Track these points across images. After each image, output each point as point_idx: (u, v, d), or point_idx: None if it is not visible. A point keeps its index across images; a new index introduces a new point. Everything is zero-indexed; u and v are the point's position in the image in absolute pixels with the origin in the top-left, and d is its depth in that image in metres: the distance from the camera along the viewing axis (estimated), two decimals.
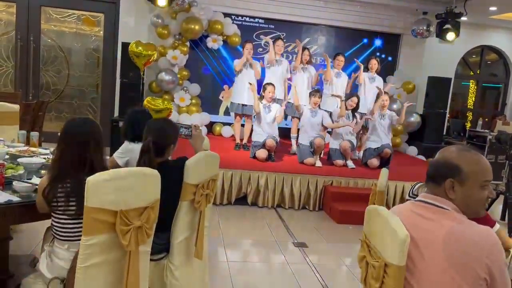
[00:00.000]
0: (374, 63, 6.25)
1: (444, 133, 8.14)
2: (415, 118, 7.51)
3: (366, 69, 6.30)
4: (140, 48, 5.96)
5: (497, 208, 4.88)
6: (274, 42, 6.00)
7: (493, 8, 7.14)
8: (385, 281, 1.42)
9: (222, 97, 7.51)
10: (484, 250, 1.29)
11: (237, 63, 5.97)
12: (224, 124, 7.33)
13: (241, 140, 6.12)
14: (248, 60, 5.90)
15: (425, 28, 7.24)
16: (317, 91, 5.68)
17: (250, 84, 5.64)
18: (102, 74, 7.20)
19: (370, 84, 6.23)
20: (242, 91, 5.94)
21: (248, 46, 5.91)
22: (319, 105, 5.61)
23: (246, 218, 4.76)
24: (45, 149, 3.06)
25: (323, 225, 4.67)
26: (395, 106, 7.29)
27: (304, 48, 6.15)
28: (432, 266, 1.36)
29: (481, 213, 1.47)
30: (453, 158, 1.42)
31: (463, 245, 1.31)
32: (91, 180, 1.60)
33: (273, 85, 5.57)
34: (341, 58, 6.20)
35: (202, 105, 7.15)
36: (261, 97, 5.63)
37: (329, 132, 6.00)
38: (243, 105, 5.96)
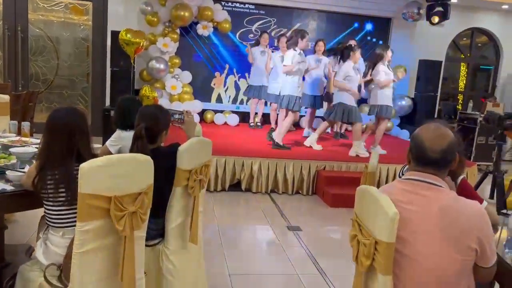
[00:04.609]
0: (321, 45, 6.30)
1: (436, 116, 8.19)
2: (406, 102, 7.54)
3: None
4: (129, 35, 5.89)
5: (487, 188, 4.96)
6: (260, 36, 6.61)
7: None
8: (376, 258, 1.46)
9: (214, 84, 7.49)
10: (476, 224, 1.42)
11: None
12: (216, 111, 7.31)
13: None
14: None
15: (415, 11, 7.22)
16: (320, 39, 6.33)
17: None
18: (92, 63, 7.14)
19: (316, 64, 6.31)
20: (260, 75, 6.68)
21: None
22: (322, 53, 6.11)
23: (241, 204, 4.79)
24: (37, 139, 3.05)
25: (317, 209, 4.72)
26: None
27: (281, 35, 6.53)
28: (426, 238, 1.43)
29: None
30: (452, 135, 1.51)
31: (457, 219, 1.42)
32: (85, 166, 1.61)
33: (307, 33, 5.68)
34: (321, 44, 6.33)
35: (194, 92, 7.12)
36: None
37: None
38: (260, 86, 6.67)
